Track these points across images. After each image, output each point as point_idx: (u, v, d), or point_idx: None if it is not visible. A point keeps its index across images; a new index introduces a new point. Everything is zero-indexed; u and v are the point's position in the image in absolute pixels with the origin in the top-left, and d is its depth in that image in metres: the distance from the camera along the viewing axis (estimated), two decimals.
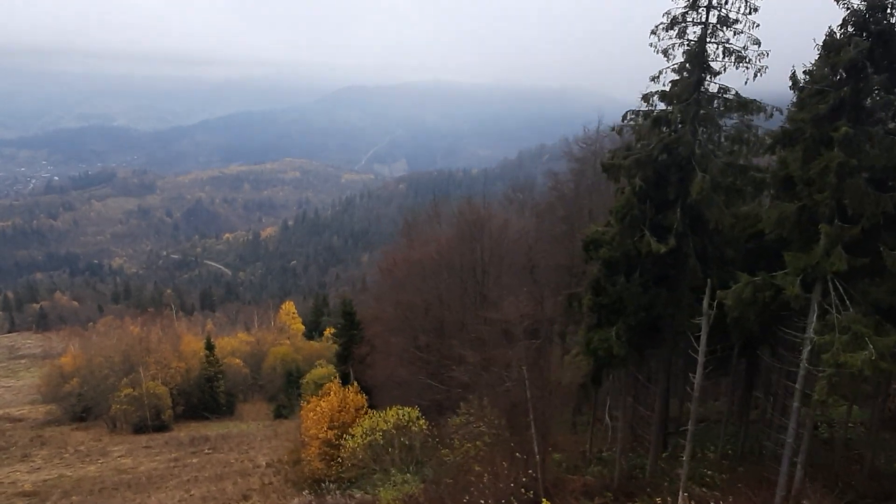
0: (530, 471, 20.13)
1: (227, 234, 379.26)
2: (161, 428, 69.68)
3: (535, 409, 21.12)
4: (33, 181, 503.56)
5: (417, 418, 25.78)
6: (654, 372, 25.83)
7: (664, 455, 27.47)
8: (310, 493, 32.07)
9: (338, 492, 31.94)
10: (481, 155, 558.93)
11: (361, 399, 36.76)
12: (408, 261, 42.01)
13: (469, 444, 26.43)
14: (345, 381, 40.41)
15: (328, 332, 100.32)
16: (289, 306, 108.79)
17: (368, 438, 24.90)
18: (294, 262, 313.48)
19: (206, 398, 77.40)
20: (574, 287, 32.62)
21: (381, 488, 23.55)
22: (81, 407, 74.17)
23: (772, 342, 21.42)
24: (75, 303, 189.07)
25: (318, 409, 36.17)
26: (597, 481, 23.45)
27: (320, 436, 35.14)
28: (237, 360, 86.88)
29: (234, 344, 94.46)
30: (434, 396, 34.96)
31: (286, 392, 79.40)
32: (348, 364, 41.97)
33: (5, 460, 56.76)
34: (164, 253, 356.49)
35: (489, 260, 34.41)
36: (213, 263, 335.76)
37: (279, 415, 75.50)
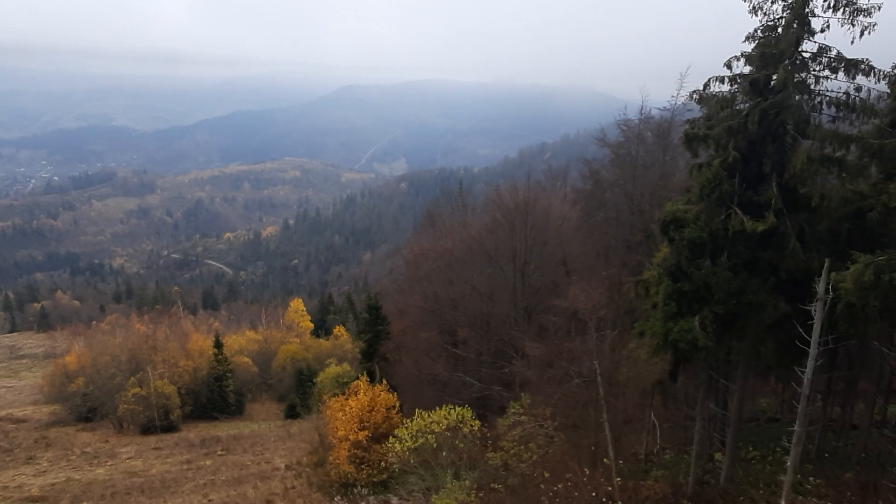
0: (618, 479, 17.91)
1: (227, 234, 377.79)
2: (169, 428, 67.58)
3: (609, 408, 18.95)
4: (33, 181, 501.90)
5: (472, 418, 23.60)
6: (731, 366, 23.64)
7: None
8: (342, 499, 29.91)
9: (371, 497, 29.82)
10: (481, 154, 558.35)
11: (392, 398, 34.59)
12: (436, 250, 39.81)
13: (521, 447, 24.29)
14: (370, 378, 38.18)
15: (337, 329, 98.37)
16: (297, 304, 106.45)
17: (420, 441, 22.69)
18: (295, 261, 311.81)
19: (214, 398, 75.25)
20: (606, 275, 30.43)
21: (435, 496, 21.38)
22: (87, 407, 72.02)
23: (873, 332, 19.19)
24: (76, 302, 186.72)
25: (346, 408, 33.97)
26: (669, 488, 21.24)
27: (350, 437, 32.96)
28: (246, 359, 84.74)
29: (241, 342, 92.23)
30: (471, 395, 32.80)
31: (297, 391, 77.21)
32: (374, 361, 39.75)
33: (10, 462, 54.62)
34: (165, 252, 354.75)
35: (531, 247, 32.17)
36: (214, 263, 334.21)
37: (290, 414, 73.33)
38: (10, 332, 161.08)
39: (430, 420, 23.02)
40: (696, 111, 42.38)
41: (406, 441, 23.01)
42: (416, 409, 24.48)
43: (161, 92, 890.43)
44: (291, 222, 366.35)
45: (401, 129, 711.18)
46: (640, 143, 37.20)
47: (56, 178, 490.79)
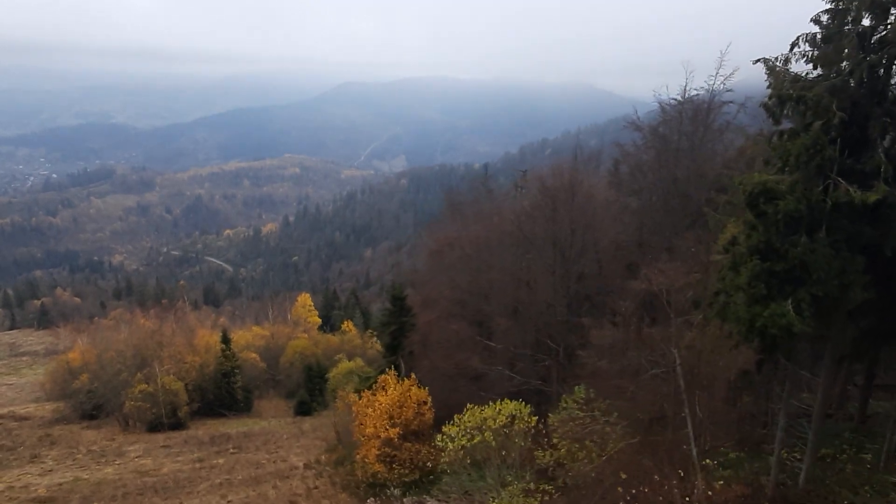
0: (720, 482, 15.97)
1: (227, 231, 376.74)
2: (177, 426, 65.58)
3: (691, 402, 17.00)
4: (32, 178, 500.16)
5: (530, 415, 21.59)
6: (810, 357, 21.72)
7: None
8: (375, 501, 28.01)
9: (406, 498, 27.97)
10: (480, 151, 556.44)
11: (423, 393, 32.61)
12: (467, 238, 37.81)
13: (576, 445, 22.36)
14: (396, 373, 36.18)
15: (345, 325, 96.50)
16: (304, 299, 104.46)
17: (477, 438, 20.66)
18: (296, 257, 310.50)
19: (222, 394, 73.29)
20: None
21: (495, 498, 19.46)
22: (91, 404, 69.92)
23: None
24: (77, 299, 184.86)
25: (375, 405, 32.00)
26: (747, 489, 19.31)
27: (381, 435, 31.00)
28: (253, 355, 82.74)
29: (247, 338, 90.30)
30: (507, 389, 30.83)
31: (307, 387, 75.29)
32: (398, 355, 37.77)
33: (14, 461, 52.65)
34: (165, 249, 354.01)
35: (575, 231, 30.09)
36: (213, 260, 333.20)
37: (300, 411, 71.49)
38: (10, 329, 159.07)
39: (485, 416, 21.08)
40: (736, 92, 40.47)
41: (460, 439, 21.01)
42: (467, 405, 22.49)
43: (160, 89, 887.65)
44: (291, 219, 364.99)
45: (400, 127, 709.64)
46: (682, 124, 35.34)
47: (55, 175, 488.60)
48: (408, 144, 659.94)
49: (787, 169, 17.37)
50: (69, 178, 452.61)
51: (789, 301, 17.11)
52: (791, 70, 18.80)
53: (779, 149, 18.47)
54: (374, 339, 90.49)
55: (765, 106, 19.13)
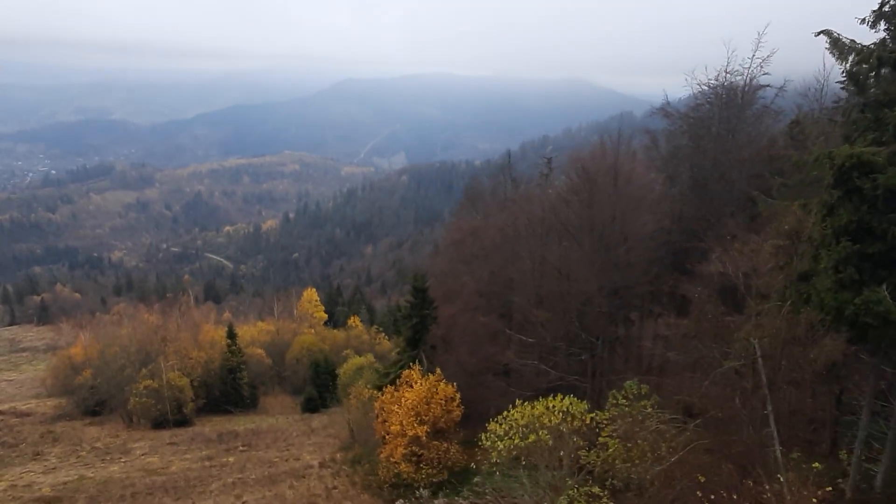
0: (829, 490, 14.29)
1: (227, 227, 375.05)
2: (183, 422, 63.79)
3: (775, 398, 15.31)
4: (31, 175, 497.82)
5: (584, 412, 19.78)
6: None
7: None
8: (405, 503, 26.35)
9: (436, 501, 26.32)
10: (480, 148, 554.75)
11: (451, 389, 30.87)
12: (495, 227, 36.10)
13: (627, 444, 20.62)
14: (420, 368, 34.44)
15: (352, 320, 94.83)
16: (311, 294, 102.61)
17: (532, 437, 18.84)
18: (296, 254, 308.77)
19: (228, 390, 71.47)
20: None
21: (545, 502, 17.79)
22: (95, 400, 68.12)
23: None
24: (77, 295, 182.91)
25: (402, 401, 30.28)
26: (828, 494, 17.63)
27: (408, 432, 29.27)
28: (259, 350, 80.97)
29: (252, 333, 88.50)
30: (539, 385, 29.09)
31: (314, 383, 73.56)
32: (419, 349, 36.04)
33: (16, 459, 50.95)
34: (164, 246, 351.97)
35: (616, 217, 28.29)
36: (213, 256, 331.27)
37: (308, 408, 69.80)
38: (10, 325, 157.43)
39: (538, 412, 19.33)
40: (774, 75, 38.65)
41: (511, 438, 19.21)
42: (516, 400, 20.78)
43: (159, 86, 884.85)
44: (291, 216, 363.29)
45: (400, 124, 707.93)
46: (719, 108, 33.63)
47: (54, 171, 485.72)
48: (407, 141, 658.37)
49: (884, 140, 15.70)
50: (68, 175, 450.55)
51: (884, 286, 15.47)
52: (856, 41, 17.31)
53: (862, 122, 16.89)
54: (382, 334, 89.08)
55: (849, 74, 17.48)
